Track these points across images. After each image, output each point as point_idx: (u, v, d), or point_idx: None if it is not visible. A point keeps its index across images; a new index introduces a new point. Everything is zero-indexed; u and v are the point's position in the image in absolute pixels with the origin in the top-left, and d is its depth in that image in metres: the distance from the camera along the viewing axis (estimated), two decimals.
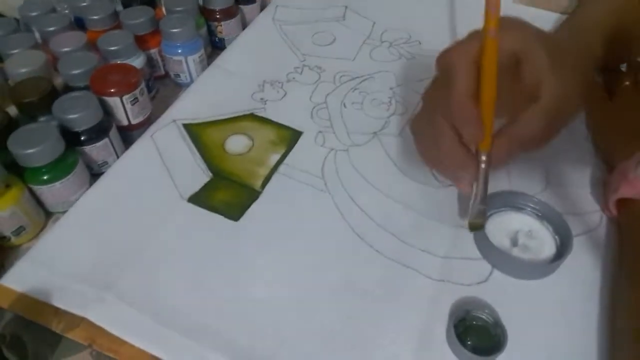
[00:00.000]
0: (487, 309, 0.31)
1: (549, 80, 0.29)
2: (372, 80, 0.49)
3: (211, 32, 0.55)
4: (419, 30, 0.54)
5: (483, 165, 0.31)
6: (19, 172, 0.36)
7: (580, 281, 0.34)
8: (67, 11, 0.52)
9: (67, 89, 0.42)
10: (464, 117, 0.30)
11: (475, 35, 0.30)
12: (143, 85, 0.43)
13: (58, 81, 0.42)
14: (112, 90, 0.40)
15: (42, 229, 0.38)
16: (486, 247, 0.35)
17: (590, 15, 0.43)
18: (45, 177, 0.36)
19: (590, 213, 0.38)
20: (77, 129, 0.38)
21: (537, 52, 0.30)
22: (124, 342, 0.30)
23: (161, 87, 0.52)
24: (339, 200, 0.39)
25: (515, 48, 0.30)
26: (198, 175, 0.40)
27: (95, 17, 0.48)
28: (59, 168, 0.36)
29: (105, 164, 0.41)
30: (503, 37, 0.29)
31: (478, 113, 0.29)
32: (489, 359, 0.29)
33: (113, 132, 0.41)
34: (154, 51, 0.50)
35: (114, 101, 0.41)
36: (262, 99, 0.47)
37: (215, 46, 0.56)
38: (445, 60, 0.31)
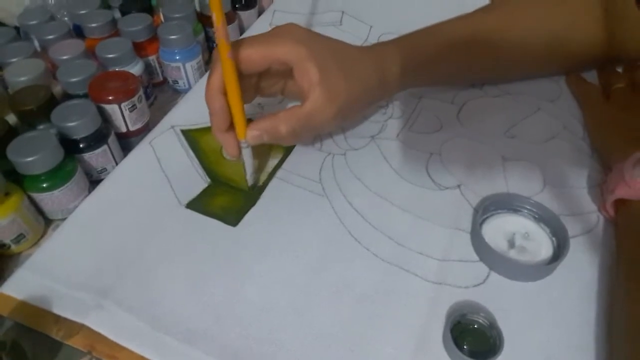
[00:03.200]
0: (482, 312, 0.31)
1: (314, 94, 0.35)
2: None
3: (209, 39, 0.56)
4: None
5: (243, 147, 0.37)
6: (18, 180, 0.36)
7: (578, 282, 0.34)
8: (66, 19, 0.52)
9: (66, 96, 0.42)
10: (211, 108, 0.35)
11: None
12: (141, 92, 0.43)
13: (57, 89, 0.42)
14: (110, 98, 0.41)
15: (42, 237, 0.38)
16: (483, 249, 0.35)
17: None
18: (44, 185, 0.36)
19: (588, 214, 0.38)
20: (75, 137, 0.38)
21: (306, 65, 0.34)
22: (123, 349, 0.30)
23: (159, 93, 0.52)
24: (337, 204, 0.39)
25: (285, 58, 0.34)
26: (196, 181, 0.40)
27: (93, 25, 0.48)
28: (58, 176, 0.37)
29: (104, 170, 0.41)
30: (273, 46, 0.34)
31: (222, 105, 0.35)
32: None
33: (112, 139, 0.41)
34: (152, 58, 0.50)
35: (112, 108, 0.41)
36: (259, 104, 0.47)
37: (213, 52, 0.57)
38: (214, 53, 0.35)
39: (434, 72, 0.44)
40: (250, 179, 0.39)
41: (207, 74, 0.51)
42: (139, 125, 0.44)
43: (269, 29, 0.37)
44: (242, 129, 0.36)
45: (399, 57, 0.40)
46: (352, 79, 0.37)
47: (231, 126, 0.36)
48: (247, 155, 0.38)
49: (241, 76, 0.34)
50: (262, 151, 0.43)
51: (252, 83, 0.38)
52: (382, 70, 0.39)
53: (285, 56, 0.34)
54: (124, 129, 0.43)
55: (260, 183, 0.40)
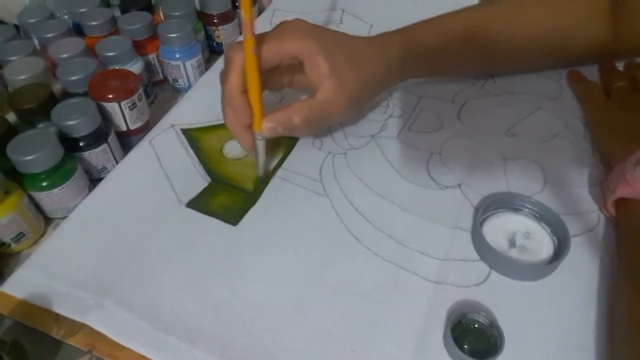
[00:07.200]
0: (483, 312, 0.31)
1: (325, 85, 0.36)
2: None
3: (209, 37, 0.56)
4: None
5: (257, 139, 0.38)
6: (18, 179, 0.36)
7: (579, 282, 0.34)
8: (65, 17, 0.52)
9: (66, 95, 0.42)
10: (234, 106, 0.36)
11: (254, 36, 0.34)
12: (141, 90, 0.43)
13: (57, 87, 0.42)
14: (110, 96, 0.40)
15: (42, 235, 0.38)
16: (484, 249, 0.35)
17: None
18: (44, 184, 0.36)
19: (588, 213, 0.38)
20: (75, 135, 0.38)
21: (317, 59, 0.35)
22: (123, 348, 0.30)
23: (159, 92, 0.52)
24: (337, 203, 0.39)
25: (296, 53, 0.35)
26: (196, 180, 0.40)
27: (93, 23, 0.48)
28: (58, 174, 0.37)
29: (104, 169, 0.41)
30: (284, 42, 0.35)
31: (245, 102, 0.36)
32: None
33: (112, 138, 0.41)
34: (152, 56, 0.50)
35: (112, 107, 0.41)
36: None
37: (213, 51, 0.57)
38: (228, 53, 0.35)
39: (435, 62, 0.44)
40: (261, 170, 0.40)
41: (207, 73, 0.51)
42: (139, 124, 0.44)
43: (270, 27, 0.37)
44: (260, 122, 0.37)
45: (401, 46, 0.41)
46: (360, 69, 0.38)
47: None
48: (260, 148, 0.39)
49: None
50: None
51: (261, 79, 0.38)
52: (387, 60, 0.40)
53: (296, 51, 0.35)
54: (124, 128, 0.43)
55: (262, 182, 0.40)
